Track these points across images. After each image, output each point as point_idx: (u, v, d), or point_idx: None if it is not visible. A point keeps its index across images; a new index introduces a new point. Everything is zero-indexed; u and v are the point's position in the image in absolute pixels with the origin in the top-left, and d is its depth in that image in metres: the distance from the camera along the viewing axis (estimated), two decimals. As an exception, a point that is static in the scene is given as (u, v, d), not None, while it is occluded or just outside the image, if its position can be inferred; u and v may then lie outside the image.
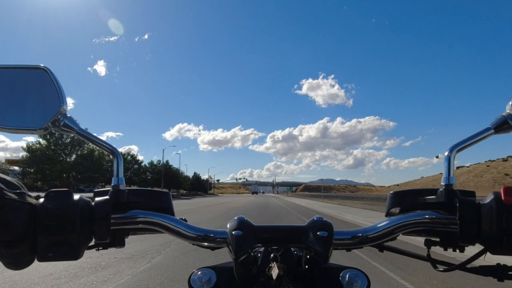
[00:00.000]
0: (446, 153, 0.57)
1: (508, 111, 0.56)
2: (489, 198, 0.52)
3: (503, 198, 0.50)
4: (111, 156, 0.60)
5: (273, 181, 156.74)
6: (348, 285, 0.56)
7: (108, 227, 0.53)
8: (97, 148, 0.61)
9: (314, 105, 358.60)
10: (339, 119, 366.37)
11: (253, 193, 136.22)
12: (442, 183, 0.57)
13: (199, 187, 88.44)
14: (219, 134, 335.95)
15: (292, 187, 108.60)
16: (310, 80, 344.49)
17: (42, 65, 0.60)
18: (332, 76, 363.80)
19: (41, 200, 0.52)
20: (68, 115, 0.60)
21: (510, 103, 0.56)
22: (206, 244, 0.58)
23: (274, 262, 0.53)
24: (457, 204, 0.53)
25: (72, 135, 0.61)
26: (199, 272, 0.58)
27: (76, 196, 0.53)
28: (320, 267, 0.57)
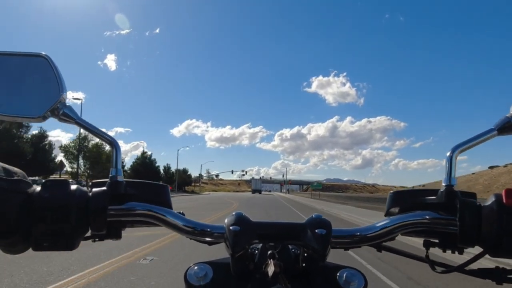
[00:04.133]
0: (448, 154, 0.56)
1: None
2: (490, 200, 0.51)
3: (504, 200, 0.50)
4: (109, 147, 0.59)
5: (283, 175, 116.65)
6: (345, 284, 0.56)
7: (104, 218, 0.53)
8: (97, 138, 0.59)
9: (324, 103, 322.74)
10: (349, 118, 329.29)
11: (254, 191, 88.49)
12: (443, 184, 0.56)
13: (148, 176, 49.57)
14: (227, 131, 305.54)
15: (319, 184, 57.15)
16: (320, 77, 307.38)
17: (43, 52, 0.59)
18: (344, 73, 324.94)
19: (38, 189, 0.52)
20: (67, 104, 0.59)
21: None
22: (203, 238, 0.58)
23: (271, 259, 0.53)
24: (458, 205, 0.52)
25: (71, 124, 0.60)
26: (195, 267, 0.58)
27: (73, 187, 0.53)
28: (318, 265, 0.56)
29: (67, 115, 0.58)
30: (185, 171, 79.88)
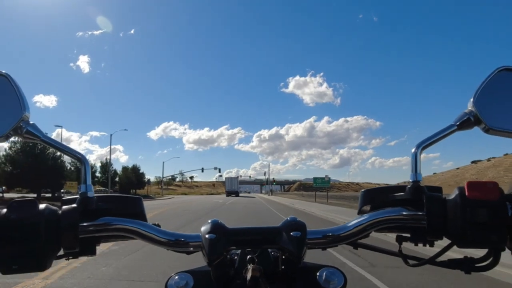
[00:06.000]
0: (412, 150, 0.58)
1: (470, 108, 0.58)
2: (454, 193, 0.53)
3: (466, 193, 0.52)
4: (78, 164, 0.59)
5: (264, 173, 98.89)
6: (325, 283, 0.57)
7: (76, 236, 0.52)
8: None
9: (301, 103, 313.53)
10: (326, 118, 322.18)
11: (228, 193, 68.84)
12: (410, 180, 0.58)
13: (39, 171, 29.76)
14: (205, 133, 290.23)
15: (327, 181, 30.96)
16: (297, 77, 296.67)
17: (3, 71, 0.59)
18: (321, 74, 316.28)
19: (3, 210, 0.51)
20: (31, 122, 0.58)
21: (472, 100, 0.57)
22: (180, 249, 0.58)
23: (251, 264, 0.53)
24: (424, 200, 0.54)
25: (36, 142, 0.59)
26: (176, 277, 0.58)
27: (42, 206, 0.52)
28: (297, 267, 0.57)
29: (31, 133, 0.57)
30: (135, 169, 60.64)
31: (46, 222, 0.50)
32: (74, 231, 0.52)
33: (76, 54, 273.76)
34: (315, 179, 31.87)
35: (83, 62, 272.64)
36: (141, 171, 61.92)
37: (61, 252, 0.54)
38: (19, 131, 0.57)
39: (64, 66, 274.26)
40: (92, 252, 0.58)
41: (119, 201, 0.61)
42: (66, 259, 0.56)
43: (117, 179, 55.20)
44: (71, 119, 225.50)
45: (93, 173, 50.13)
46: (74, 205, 0.55)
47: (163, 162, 66.55)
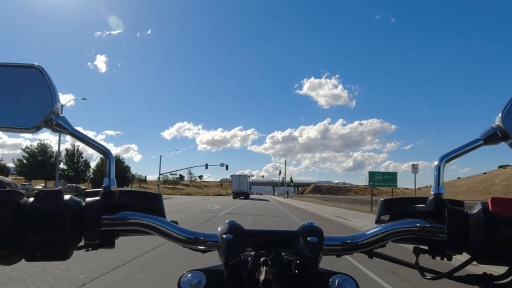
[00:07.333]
0: (436, 163, 0.57)
1: (497, 123, 0.56)
2: (477, 208, 0.52)
3: (490, 208, 0.51)
4: (103, 157, 0.59)
5: (279, 172, 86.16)
6: None
7: (98, 228, 0.53)
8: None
9: (316, 105, 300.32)
10: (340, 120, 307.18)
11: (236, 195, 53.65)
12: (432, 192, 0.57)
13: None
14: (219, 134, 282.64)
15: (394, 176, 19.19)
16: (312, 79, 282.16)
17: (35, 64, 0.60)
18: (337, 75, 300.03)
19: (31, 199, 0.52)
20: (61, 115, 0.59)
21: (500, 115, 0.56)
22: (196, 247, 0.58)
23: (264, 266, 0.53)
24: (446, 213, 0.53)
25: (65, 135, 0.60)
26: (189, 275, 0.58)
27: (67, 196, 0.53)
28: (310, 272, 0.57)
29: (61, 126, 0.58)
30: (118, 161, 49.07)
31: (71, 213, 0.51)
32: (96, 223, 0.53)
33: (94, 53, 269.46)
34: (371, 174, 19.01)
35: (100, 62, 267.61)
36: (125, 165, 50.11)
37: (82, 243, 0.55)
38: (49, 123, 0.57)
39: (82, 66, 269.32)
40: (112, 245, 0.58)
41: (140, 196, 0.62)
42: (85, 250, 0.57)
43: (90, 173, 43.61)
44: (88, 118, 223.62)
45: (54, 165, 38.71)
46: (98, 198, 0.56)
47: (160, 156, 55.15)
